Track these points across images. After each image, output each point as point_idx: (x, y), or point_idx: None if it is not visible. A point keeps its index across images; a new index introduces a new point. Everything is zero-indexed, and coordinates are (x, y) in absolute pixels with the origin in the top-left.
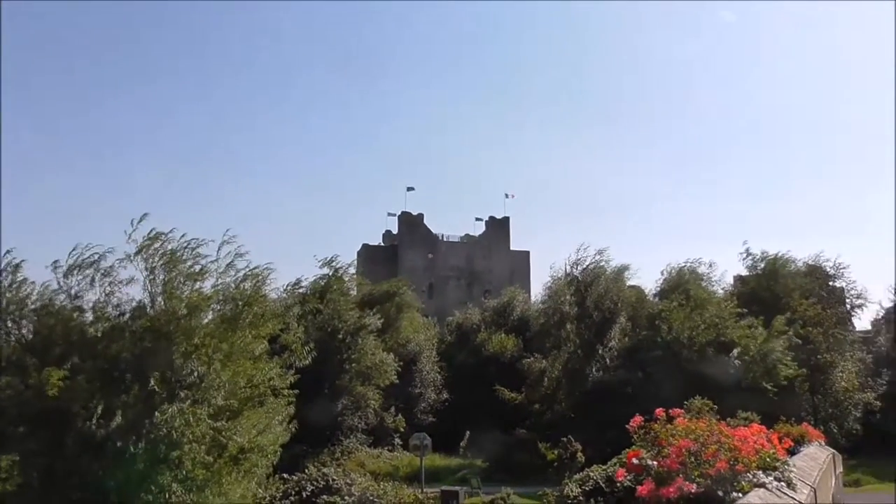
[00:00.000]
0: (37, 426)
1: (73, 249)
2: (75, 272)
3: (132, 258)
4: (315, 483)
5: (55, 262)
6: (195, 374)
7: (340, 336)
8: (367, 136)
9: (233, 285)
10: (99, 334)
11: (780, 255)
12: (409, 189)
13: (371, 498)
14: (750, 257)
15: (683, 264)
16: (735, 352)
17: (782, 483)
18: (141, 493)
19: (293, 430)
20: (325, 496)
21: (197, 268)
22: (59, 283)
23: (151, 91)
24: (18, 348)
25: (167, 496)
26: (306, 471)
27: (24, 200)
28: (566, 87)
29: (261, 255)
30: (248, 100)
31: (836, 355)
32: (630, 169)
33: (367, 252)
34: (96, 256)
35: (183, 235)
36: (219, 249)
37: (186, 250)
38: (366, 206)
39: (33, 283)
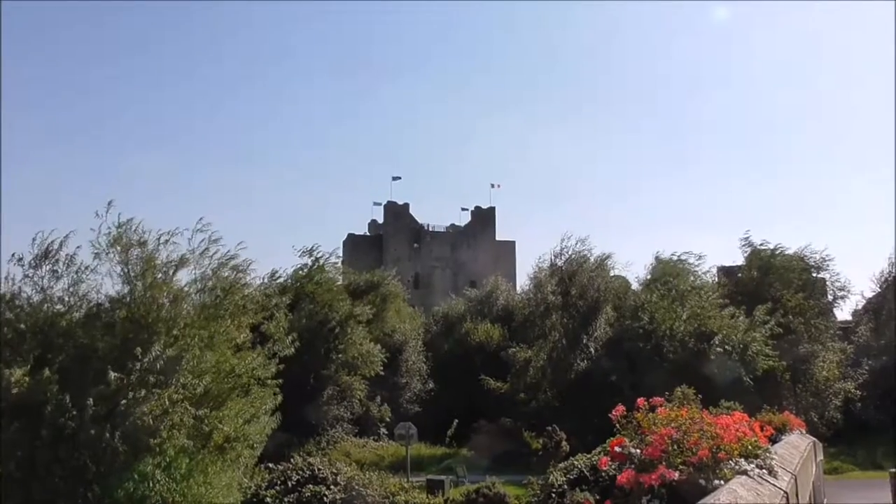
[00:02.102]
0: (11, 418)
1: (35, 238)
2: (43, 262)
3: (107, 248)
4: (301, 472)
5: (13, 254)
6: (174, 362)
7: (330, 326)
8: (353, 125)
9: (210, 272)
10: (73, 323)
11: (776, 248)
12: (395, 178)
13: (357, 487)
14: (749, 246)
15: (671, 255)
16: (716, 340)
17: (764, 470)
18: (123, 483)
19: (278, 420)
20: (310, 485)
21: (175, 256)
22: (25, 273)
23: (126, 75)
24: None
25: (150, 485)
26: (292, 460)
27: None
28: (551, 77)
29: (245, 249)
30: (228, 90)
31: (818, 345)
32: (616, 158)
33: (352, 242)
34: (64, 246)
35: (159, 230)
36: (191, 238)
37: (162, 237)
38: (351, 195)
39: None
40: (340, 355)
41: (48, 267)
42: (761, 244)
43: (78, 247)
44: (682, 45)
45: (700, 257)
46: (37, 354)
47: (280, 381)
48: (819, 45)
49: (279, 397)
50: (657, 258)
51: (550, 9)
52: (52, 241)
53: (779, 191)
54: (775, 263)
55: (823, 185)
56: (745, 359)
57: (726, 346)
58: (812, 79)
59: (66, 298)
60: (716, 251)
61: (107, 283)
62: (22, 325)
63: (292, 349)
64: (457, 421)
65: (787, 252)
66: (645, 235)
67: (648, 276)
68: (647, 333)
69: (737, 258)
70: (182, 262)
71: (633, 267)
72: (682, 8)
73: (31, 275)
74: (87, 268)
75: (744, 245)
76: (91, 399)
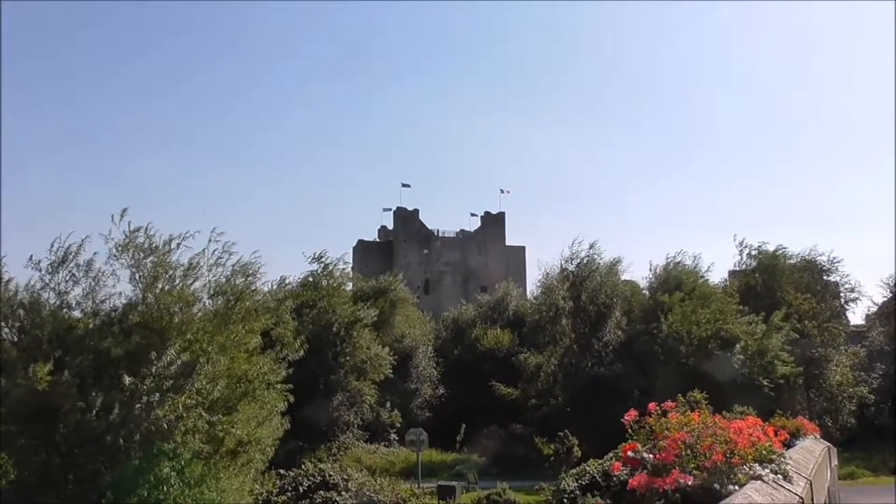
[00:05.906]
0: (28, 423)
1: (52, 245)
2: (60, 268)
3: (119, 254)
4: (312, 479)
5: (31, 257)
6: (188, 367)
7: (335, 330)
8: (362, 131)
9: (223, 279)
10: (89, 329)
11: (777, 249)
12: (405, 186)
13: (368, 493)
14: (745, 249)
15: (673, 257)
16: (737, 347)
17: (779, 475)
18: (138, 488)
19: (287, 426)
20: (321, 492)
21: (186, 262)
22: (43, 279)
23: (137, 79)
24: (7, 347)
25: (165, 489)
26: (303, 466)
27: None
28: (558, 81)
29: (259, 256)
30: (236, 95)
31: (831, 349)
32: (624, 161)
33: (362, 248)
34: (80, 252)
35: (171, 236)
36: (207, 246)
37: (174, 244)
38: (361, 201)
39: (14, 278)
40: (348, 359)
41: (65, 273)
42: (759, 245)
43: (95, 253)
44: (686, 44)
45: (696, 258)
46: (56, 358)
47: (290, 386)
48: (821, 44)
49: (289, 400)
50: (662, 260)
51: (555, 9)
52: (69, 246)
53: (777, 194)
54: (784, 266)
55: (823, 188)
56: (764, 363)
57: (747, 352)
58: (813, 79)
59: (84, 304)
60: (715, 255)
61: (121, 289)
62: (38, 332)
63: (301, 352)
64: (464, 425)
65: (793, 254)
66: (645, 238)
67: (655, 279)
68: (661, 338)
69: (736, 262)
70: (192, 268)
71: (637, 270)
72: (688, 7)
73: (48, 280)
74: (102, 273)
75: (742, 249)
76: (104, 402)
